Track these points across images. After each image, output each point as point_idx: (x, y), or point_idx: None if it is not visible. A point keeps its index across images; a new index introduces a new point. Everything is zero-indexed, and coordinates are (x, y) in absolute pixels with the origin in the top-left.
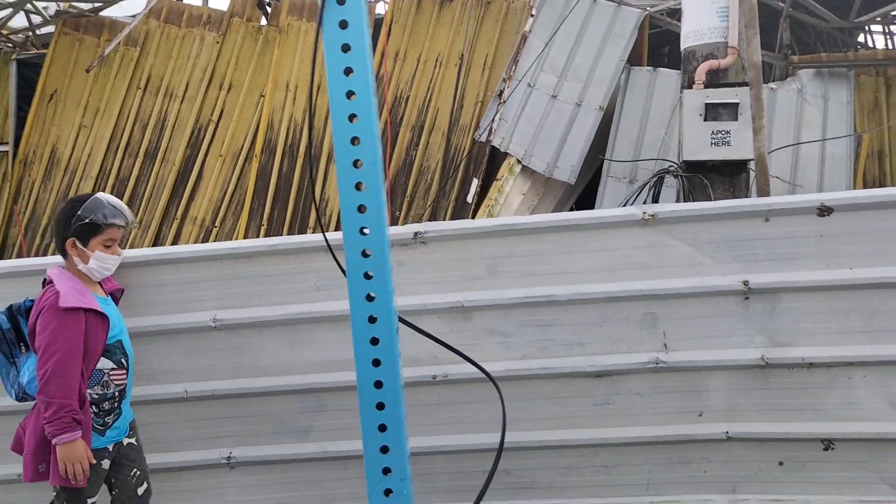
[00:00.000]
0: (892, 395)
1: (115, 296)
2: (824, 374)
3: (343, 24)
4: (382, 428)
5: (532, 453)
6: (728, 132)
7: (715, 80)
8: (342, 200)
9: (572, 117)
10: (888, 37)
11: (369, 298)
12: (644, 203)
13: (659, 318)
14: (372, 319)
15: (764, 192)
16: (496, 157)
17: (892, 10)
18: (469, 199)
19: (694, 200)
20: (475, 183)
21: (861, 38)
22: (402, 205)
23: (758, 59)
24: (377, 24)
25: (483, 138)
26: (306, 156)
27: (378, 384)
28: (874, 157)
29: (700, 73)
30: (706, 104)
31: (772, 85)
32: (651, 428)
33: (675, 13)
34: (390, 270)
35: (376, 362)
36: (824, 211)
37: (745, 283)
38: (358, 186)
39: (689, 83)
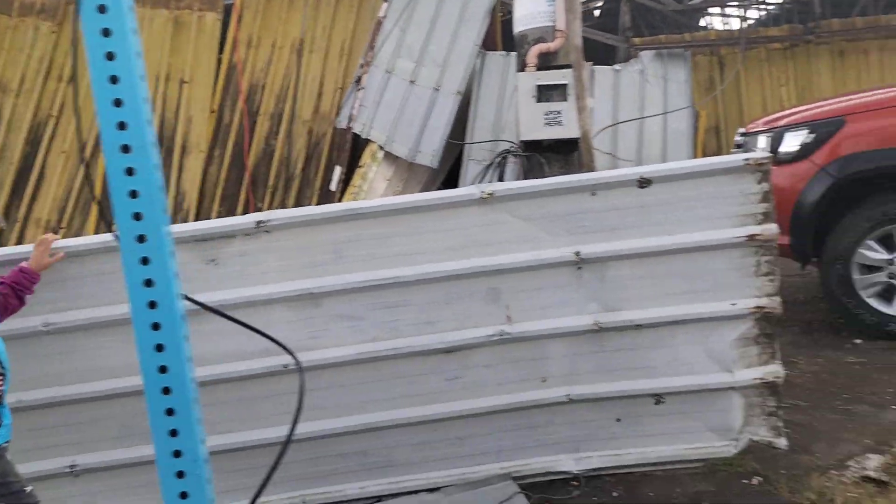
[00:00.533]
0: (710, 350)
1: None
2: (651, 335)
3: (102, 9)
4: (170, 412)
5: (388, 432)
6: (559, 112)
7: (546, 62)
8: (112, 187)
9: (431, 102)
10: (724, 19)
11: (148, 284)
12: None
13: (502, 293)
14: (152, 305)
15: (590, 167)
16: (359, 144)
17: None
18: (333, 187)
19: (532, 178)
20: (338, 171)
21: (704, 22)
22: (264, 196)
23: (579, 41)
24: (227, 9)
25: (344, 125)
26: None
27: (163, 369)
28: (712, 131)
29: (531, 56)
30: (538, 86)
31: (615, 66)
32: (499, 397)
33: None
34: (170, 255)
35: (159, 347)
36: (644, 183)
37: (577, 254)
38: (129, 172)
39: (521, 66)
